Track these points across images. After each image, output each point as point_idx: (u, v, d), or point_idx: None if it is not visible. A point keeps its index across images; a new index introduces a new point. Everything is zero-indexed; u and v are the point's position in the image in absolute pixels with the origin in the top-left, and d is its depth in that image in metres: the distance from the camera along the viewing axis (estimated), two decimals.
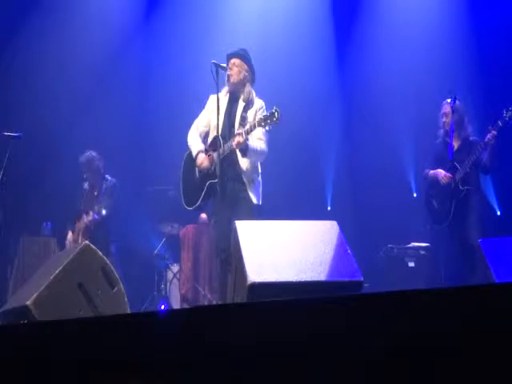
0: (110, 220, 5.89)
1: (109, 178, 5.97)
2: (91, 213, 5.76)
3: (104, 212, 5.73)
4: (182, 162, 4.63)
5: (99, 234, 5.71)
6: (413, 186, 6.70)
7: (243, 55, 4.46)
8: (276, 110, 3.98)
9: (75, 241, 5.77)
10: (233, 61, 4.42)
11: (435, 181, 5.18)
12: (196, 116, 4.61)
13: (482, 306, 1.39)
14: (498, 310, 1.36)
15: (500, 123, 4.73)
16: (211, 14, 7.15)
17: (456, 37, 6.52)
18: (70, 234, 5.90)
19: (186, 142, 4.57)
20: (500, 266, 3.47)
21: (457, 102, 5.01)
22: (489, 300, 1.39)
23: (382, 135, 6.73)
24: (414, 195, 6.67)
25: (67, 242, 5.90)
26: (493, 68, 6.25)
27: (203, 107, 4.59)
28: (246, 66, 4.43)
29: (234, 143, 4.15)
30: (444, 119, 5.11)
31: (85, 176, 5.95)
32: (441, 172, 5.12)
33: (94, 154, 5.91)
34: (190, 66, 6.78)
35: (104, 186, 5.93)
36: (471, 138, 5.12)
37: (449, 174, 5.03)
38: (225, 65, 4.35)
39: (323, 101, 7.11)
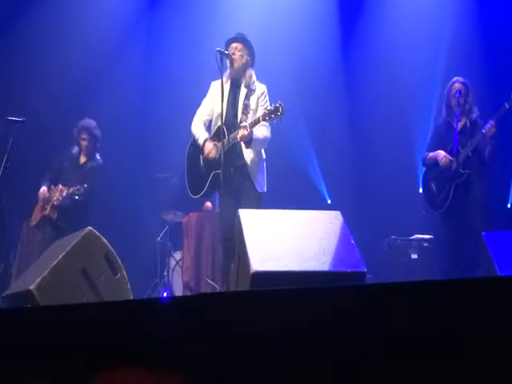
0: (89, 205, 5.43)
1: (98, 156, 5.57)
2: (65, 192, 5.17)
3: (77, 197, 5.15)
4: (186, 150, 4.62)
5: (72, 214, 5.28)
6: (418, 177, 6.63)
7: (244, 39, 4.44)
8: (280, 105, 3.98)
9: (42, 208, 5.35)
10: (234, 45, 4.39)
11: (434, 163, 4.93)
12: (199, 103, 4.59)
13: (484, 299, 1.38)
14: (500, 303, 1.35)
15: (507, 105, 4.51)
16: (215, 3, 7.10)
17: (462, 22, 6.46)
18: (42, 189, 5.42)
19: (191, 131, 4.55)
20: (504, 260, 3.44)
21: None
22: (491, 293, 1.39)
23: (386, 124, 6.67)
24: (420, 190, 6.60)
25: (40, 195, 5.41)
26: (498, 59, 6.19)
27: (206, 95, 4.57)
28: (247, 50, 4.40)
29: (239, 136, 4.13)
30: (455, 101, 4.80)
31: (80, 136, 5.49)
32: (440, 153, 4.88)
33: (94, 122, 5.57)
34: (194, 54, 6.75)
35: (94, 163, 5.52)
36: (477, 121, 4.83)
37: (449, 156, 4.80)
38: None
39: (326, 91, 7.06)
